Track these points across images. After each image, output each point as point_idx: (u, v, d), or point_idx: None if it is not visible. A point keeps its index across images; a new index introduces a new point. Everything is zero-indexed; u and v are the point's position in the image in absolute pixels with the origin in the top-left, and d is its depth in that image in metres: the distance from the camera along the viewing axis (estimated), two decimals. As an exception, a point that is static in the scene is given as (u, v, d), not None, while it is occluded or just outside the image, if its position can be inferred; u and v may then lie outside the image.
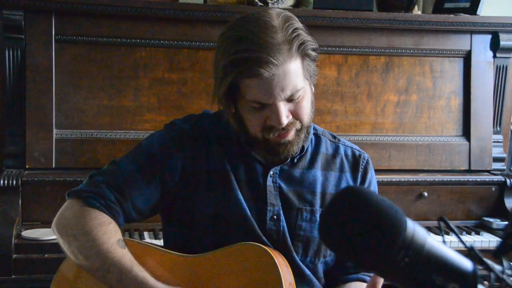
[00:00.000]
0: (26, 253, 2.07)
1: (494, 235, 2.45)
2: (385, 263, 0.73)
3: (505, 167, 2.72)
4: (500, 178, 2.61)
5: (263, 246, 1.39)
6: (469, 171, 2.65)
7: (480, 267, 0.74)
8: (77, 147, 2.33)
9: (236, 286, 1.38)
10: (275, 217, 1.47)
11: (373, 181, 1.59)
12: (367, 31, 2.57)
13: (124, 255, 1.37)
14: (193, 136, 1.48)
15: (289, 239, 1.47)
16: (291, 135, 1.40)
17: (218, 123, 1.50)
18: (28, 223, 2.21)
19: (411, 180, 2.54)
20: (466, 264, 0.74)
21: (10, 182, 2.17)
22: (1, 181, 2.17)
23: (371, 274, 1.53)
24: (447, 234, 2.30)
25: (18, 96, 2.31)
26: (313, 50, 1.38)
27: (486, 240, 2.41)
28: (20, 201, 2.19)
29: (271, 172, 1.48)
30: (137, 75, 2.42)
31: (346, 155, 1.56)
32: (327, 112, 2.57)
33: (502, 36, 2.64)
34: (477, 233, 2.48)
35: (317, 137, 1.56)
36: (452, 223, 0.83)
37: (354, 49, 2.57)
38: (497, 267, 0.74)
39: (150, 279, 1.35)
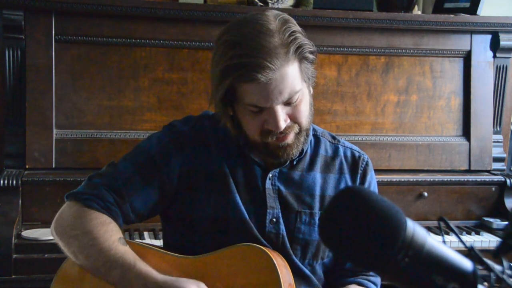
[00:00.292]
0: (26, 253, 2.07)
1: (494, 235, 2.45)
2: (385, 263, 0.73)
3: (505, 167, 2.72)
4: (500, 178, 2.61)
5: (262, 247, 1.38)
6: (469, 171, 2.65)
7: (480, 267, 0.74)
8: (77, 147, 2.33)
9: (235, 287, 1.38)
10: (274, 220, 1.47)
11: (372, 183, 1.58)
12: (367, 31, 2.57)
13: (126, 252, 1.36)
14: (192, 138, 1.47)
15: (287, 242, 1.47)
16: (290, 138, 1.39)
17: (217, 125, 1.49)
18: (28, 223, 2.21)
19: (411, 180, 2.54)
20: (466, 264, 0.74)
21: (10, 182, 2.17)
22: (1, 181, 2.17)
23: (369, 278, 1.53)
24: (447, 234, 2.30)
25: (18, 96, 2.31)
26: (311, 53, 1.37)
27: (486, 240, 2.41)
28: (20, 201, 2.19)
29: (270, 175, 1.47)
30: (137, 75, 2.42)
31: (345, 156, 1.55)
32: (327, 112, 2.57)
33: (502, 36, 2.64)
34: (477, 233, 2.48)
35: (317, 138, 1.55)
36: (452, 223, 0.83)
37: (354, 49, 2.57)
38: (497, 267, 0.74)
39: (153, 272, 1.34)
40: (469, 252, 0.75)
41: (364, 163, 1.56)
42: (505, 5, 3.04)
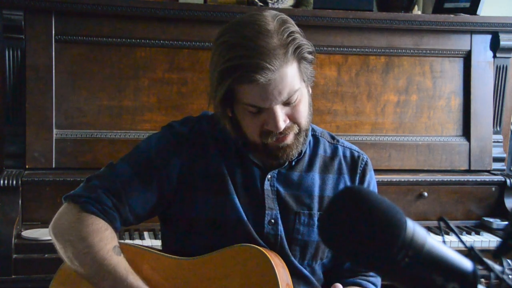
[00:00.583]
0: (26, 253, 2.07)
1: (494, 235, 2.45)
2: (385, 263, 0.73)
3: (505, 167, 2.72)
4: (500, 178, 2.61)
5: (259, 248, 1.38)
6: (469, 171, 2.65)
7: (480, 267, 0.74)
8: (77, 147, 2.33)
9: None
10: (272, 221, 1.46)
11: (372, 183, 1.57)
12: (367, 31, 2.57)
13: (119, 263, 1.36)
14: (190, 139, 1.47)
15: (286, 243, 1.46)
16: (289, 139, 1.39)
17: (216, 125, 1.49)
18: (28, 223, 2.21)
19: (411, 180, 2.54)
20: (466, 264, 0.74)
21: (10, 182, 2.17)
22: (1, 181, 2.17)
23: (369, 278, 1.53)
24: (447, 234, 2.30)
25: (18, 96, 2.31)
26: (309, 53, 1.37)
27: (486, 240, 2.41)
28: (20, 201, 2.19)
29: (269, 176, 1.47)
30: (137, 75, 2.42)
31: (344, 156, 1.55)
32: (327, 112, 2.57)
33: (502, 36, 2.64)
34: (477, 233, 2.48)
35: (315, 138, 1.55)
36: (452, 223, 0.83)
37: (354, 49, 2.57)
38: (497, 267, 0.74)
39: (145, 287, 1.35)
40: (469, 252, 0.75)
41: (363, 163, 1.55)
42: (505, 5, 3.04)
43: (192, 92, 2.45)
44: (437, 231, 2.41)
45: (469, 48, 2.66)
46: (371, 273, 1.54)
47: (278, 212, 1.47)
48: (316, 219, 1.48)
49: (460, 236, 0.80)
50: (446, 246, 0.75)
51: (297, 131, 1.39)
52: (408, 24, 2.58)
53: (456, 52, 2.67)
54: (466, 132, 2.67)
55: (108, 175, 1.44)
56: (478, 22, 2.63)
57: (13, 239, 2.06)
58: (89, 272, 1.36)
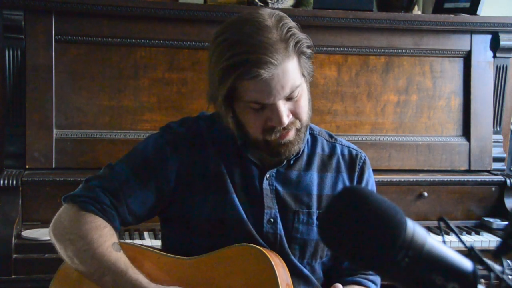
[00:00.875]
0: (26, 253, 2.07)
1: (494, 235, 2.45)
2: (385, 263, 0.73)
3: (505, 167, 2.72)
4: (500, 178, 2.61)
5: (259, 247, 1.38)
6: (469, 171, 2.65)
7: (480, 267, 0.74)
8: (77, 147, 2.33)
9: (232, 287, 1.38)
10: (272, 220, 1.46)
11: (370, 181, 1.57)
12: (367, 31, 2.57)
13: (119, 258, 1.37)
14: (188, 139, 1.47)
15: (285, 242, 1.47)
16: (291, 135, 1.39)
17: (214, 126, 1.50)
18: (28, 223, 2.21)
19: (411, 180, 2.54)
20: (466, 264, 0.74)
21: (10, 182, 2.17)
22: (1, 181, 2.17)
23: (368, 276, 1.53)
24: (447, 234, 2.30)
25: (18, 96, 2.31)
26: (308, 47, 1.38)
27: (486, 240, 2.41)
28: (20, 201, 2.19)
29: (267, 175, 1.47)
30: (137, 75, 2.42)
31: (342, 155, 1.55)
32: (327, 112, 2.57)
33: (502, 36, 2.64)
34: (477, 233, 2.48)
35: (313, 137, 1.55)
36: (452, 223, 0.83)
37: (354, 49, 2.57)
38: (497, 267, 0.74)
39: (144, 281, 1.35)
40: (469, 252, 0.75)
41: (362, 161, 1.55)
42: (505, 5, 3.04)
43: (192, 92, 2.45)
44: (437, 231, 2.41)
45: (469, 48, 2.66)
46: (371, 272, 1.54)
47: (277, 211, 1.47)
48: (315, 217, 1.49)
49: (460, 236, 0.80)
50: (446, 246, 0.75)
51: (299, 127, 1.40)
52: (408, 24, 2.58)
53: (456, 52, 2.67)
54: (466, 132, 2.67)
55: (106, 175, 1.45)
56: (478, 22, 2.63)
57: (13, 239, 2.06)
58: (89, 269, 1.36)
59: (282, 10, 2.43)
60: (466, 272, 0.74)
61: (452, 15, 2.66)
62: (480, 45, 2.67)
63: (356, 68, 2.60)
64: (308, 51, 1.38)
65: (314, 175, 1.51)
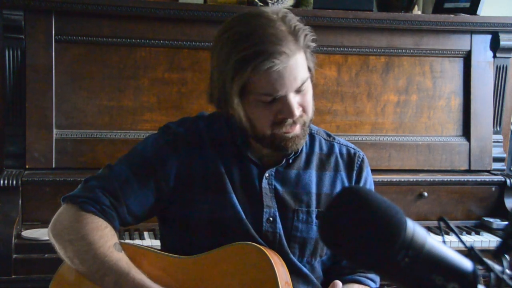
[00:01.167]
0: (26, 253, 2.07)
1: (494, 235, 2.45)
2: (385, 263, 0.73)
3: (505, 167, 2.72)
4: (500, 178, 2.61)
5: (259, 246, 1.39)
6: (469, 171, 2.65)
7: (480, 267, 0.74)
8: (77, 147, 2.33)
9: (232, 286, 1.38)
10: (271, 219, 1.47)
11: (368, 179, 1.58)
12: (367, 31, 2.57)
13: (121, 259, 1.37)
14: (187, 139, 1.47)
15: (285, 240, 1.47)
16: (298, 128, 1.40)
17: (212, 126, 1.50)
18: (28, 223, 2.21)
19: (411, 180, 2.54)
20: (466, 264, 0.74)
21: (10, 182, 2.17)
22: (1, 181, 2.17)
23: (368, 275, 1.53)
24: (447, 234, 2.30)
25: (18, 96, 2.31)
26: (313, 41, 1.40)
27: (486, 240, 2.41)
28: (20, 201, 2.19)
29: (267, 174, 1.48)
30: (137, 75, 2.42)
31: (341, 153, 1.56)
32: (327, 112, 2.57)
33: (502, 36, 2.64)
34: (477, 233, 2.48)
35: (311, 136, 1.55)
36: (452, 223, 0.83)
37: (354, 49, 2.57)
38: (497, 267, 0.74)
39: (147, 281, 1.35)
40: (469, 252, 0.75)
41: (360, 159, 1.56)
42: (505, 5, 3.04)
43: (192, 92, 2.45)
44: (437, 231, 2.41)
45: (469, 48, 2.66)
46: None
47: (276, 210, 1.47)
48: (314, 216, 1.49)
49: (460, 236, 0.80)
50: (446, 246, 0.75)
51: (305, 121, 1.41)
52: (408, 24, 2.58)
53: (456, 52, 2.67)
54: (466, 132, 2.67)
55: (105, 176, 1.45)
56: (478, 22, 2.63)
57: (13, 239, 2.06)
58: (90, 270, 1.36)
59: (282, 10, 2.43)
60: (466, 272, 0.74)
61: (452, 15, 2.66)
62: (480, 45, 2.67)
63: (356, 68, 2.60)
64: (313, 45, 1.40)
65: (313, 174, 1.51)
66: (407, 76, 2.64)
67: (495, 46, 2.66)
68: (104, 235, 1.37)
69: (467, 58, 2.67)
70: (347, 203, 0.76)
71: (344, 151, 1.56)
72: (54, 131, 2.32)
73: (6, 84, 2.30)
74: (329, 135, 1.58)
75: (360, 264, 0.75)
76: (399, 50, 2.62)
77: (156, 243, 2.12)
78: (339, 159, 1.55)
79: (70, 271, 1.42)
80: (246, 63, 1.31)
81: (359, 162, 1.56)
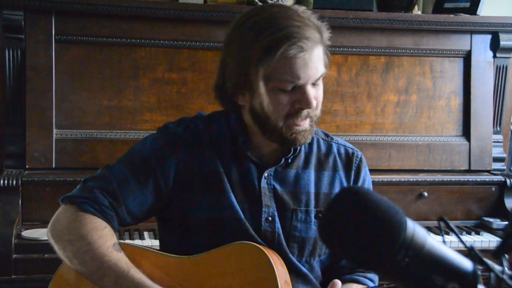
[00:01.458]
0: (26, 253, 2.07)
1: (494, 235, 2.45)
2: (385, 263, 0.73)
3: (505, 167, 2.72)
4: (500, 178, 2.61)
5: (258, 245, 1.39)
6: (469, 171, 2.65)
7: (480, 267, 0.74)
8: (77, 147, 2.33)
9: (231, 286, 1.38)
10: (270, 218, 1.47)
11: (366, 179, 1.58)
12: (367, 31, 2.57)
13: (121, 259, 1.37)
14: (186, 139, 1.47)
15: (284, 240, 1.47)
16: (308, 123, 1.41)
17: (211, 125, 1.50)
18: (28, 223, 2.21)
19: (411, 180, 2.54)
20: (466, 264, 0.74)
21: (10, 182, 2.17)
22: (1, 181, 2.17)
23: (366, 274, 1.53)
24: (447, 234, 2.30)
25: (18, 96, 2.31)
26: (328, 39, 1.42)
27: (486, 240, 2.41)
28: (20, 201, 2.19)
29: (266, 174, 1.48)
30: (137, 75, 2.42)
31: (339, 153, 1.56)
32: (327, 112, 2.56)
33: (502, 36, 2.64)
34: (477, 233, 2.48)
35: None
36: (452, 223, 0.83)
37: (354, 49, 2.57)
38: (497, 267, 0.74)
39: (147, 281, 1.35)
40: (469, 252, 0.75)
41: (358, 159, 1.56)
42: (505, 5, 3.04)
43: (192, 92, 2.45)
44: (437, 231, 2.41)
45: (469, 48, 2.66)
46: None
47: (275, 209, 1.47)
48: (313, 215, 1.49)
49: (460, 236, 0.80)
50: (446, 246, 0.75)
51: (315, 115, 1.42)
52: (408, 24, 2.58)
53: (456, 52, 2.67)
54: (466, 132, 2.67)
55: (104, 176, 1.45)
56: (478, 22, 2.62)
57: (13, 239, 2.06)
58: (90, 270, 1.36)
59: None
60: (466, 272, 0.74)
61: (452, 15, 2.66)
62: (480, 45, 2.67)
63: (356, 68, 2.60)
64: (329, 43, 1.42)
65: (311, 174, 1.52)
66: (407, 76, 2.64)
67: (495, 46, 2.66)
68: (103, 235, 1.37)
69: (467, 58, 2.67)
70: (347, 203, 0.76)
71: (342, 151, 1.57)
72: (54, 131, 2.32)
73: (6, 84, 2.30)
74: (327, 135, 1.59)
75: (359, 264, 0.75)
76: (399, 50, 2.62)
77: (156, 243, 2.12)
78: (338, 159, 1.55)
79: (70, 271, 1.42)
80: (276, 46, 1.32)
81: (357, 162, 1.56)
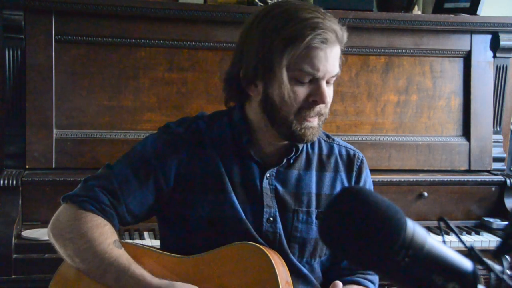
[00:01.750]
0: (26, 253, 2.07)
1: (494, 235, 2.45)
2: (385, 263, 0.73)
3: (505, 167, 2.72)
4: (500, 178, 2.61)
5: (259, 245, 1.39)
6: (469, 171, 2.65)
7: (480, 267, 0.74)
8: (77, 147, 2.33)
9: (232, 286, 1.38)
10: (271, 219, 1.47)
11: (368, 181, 1.59)
12: (367, 31, 2.57)
13: (121, 255, 1.37)
14: (187, 139, 1.47)
15: (285, 240, 1.47)
16: (317, 121, 1.42)
17: (212, 125, 1.50)
18: (28, 223, 2.21)
19: (411, 180, 2.54)
20: (466, 264, 0.74)
21: (10, 182, 2.17)
22: (1, 181, 2.17)
23: (367, 276, 1.53)
24: (447, 234, 2.30)
25: (18, 96, 2.31)
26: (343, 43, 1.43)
27: (486, 240, 2.41)
28: (20, 201, 2.19)
29: (267, 174, 1.48)
30: (137, 75, 2.42)
31: (340, 155, 1.56)
32: (327, 112, 2.56)
33: (502, 36, 2.64)
34: (477, 233, 2.48)
35: None
36: (452, 223, 0.83)
37: (354, 49, 2.57)
38: (497, 267, 0.74)
39: (148, 276, 1.35)
40: (469, 252, 0.75)
41: (359, 161, 1.57)
42: (505, 5, 3.04)
43: (192, 92, 2.45)
44: (437, 231, 2.41)
45: (469, 48, 2.66)
46: (369, 271, 1.54)
47: (276, 210, 1.47)
48: (314, 216, 1.49)
49: (460, 236, 0.80)
50: (446, 246, 0.75)
51: (325, 113, 1.44)
52: (408, 24, 2.58)
53: (456, 52, 2.67)
54: (466, 132, 2.67)
55: (105, 175, 1.45)
56: (478, 22, 2.62)
57: (13, 239, 2.06)
58: (90, 267, 1.37)
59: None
60: (466, 272, 0.74)
61: (452, 15, 2.66)
62: (480, 45, 2.67)
63: (356, 68, 2.60)
64: (343, 48, 1.43)
65: (313, 175, 1.52)
66: (407, 76, 2.64)
67: (495, 46, 2.66)
68: (104, 232, 1.38)
69: (467, 58, 2.67)
70: (347, 203, 0.76)
71: (344, 152, 1.57)
72: (54, 131, 2.32)
73: (6, 84, 2.30)
74: (328, 136, 1.59)
75: (360, 264, 0.75)
76: (399, 50, 2.62)
77: (156, 243, 2.11)
78: (339, 160, 1.55)
79: (70, 270, 1.42)
80: (303, 35, 1.33)
81: (358, 163, 1.56)
